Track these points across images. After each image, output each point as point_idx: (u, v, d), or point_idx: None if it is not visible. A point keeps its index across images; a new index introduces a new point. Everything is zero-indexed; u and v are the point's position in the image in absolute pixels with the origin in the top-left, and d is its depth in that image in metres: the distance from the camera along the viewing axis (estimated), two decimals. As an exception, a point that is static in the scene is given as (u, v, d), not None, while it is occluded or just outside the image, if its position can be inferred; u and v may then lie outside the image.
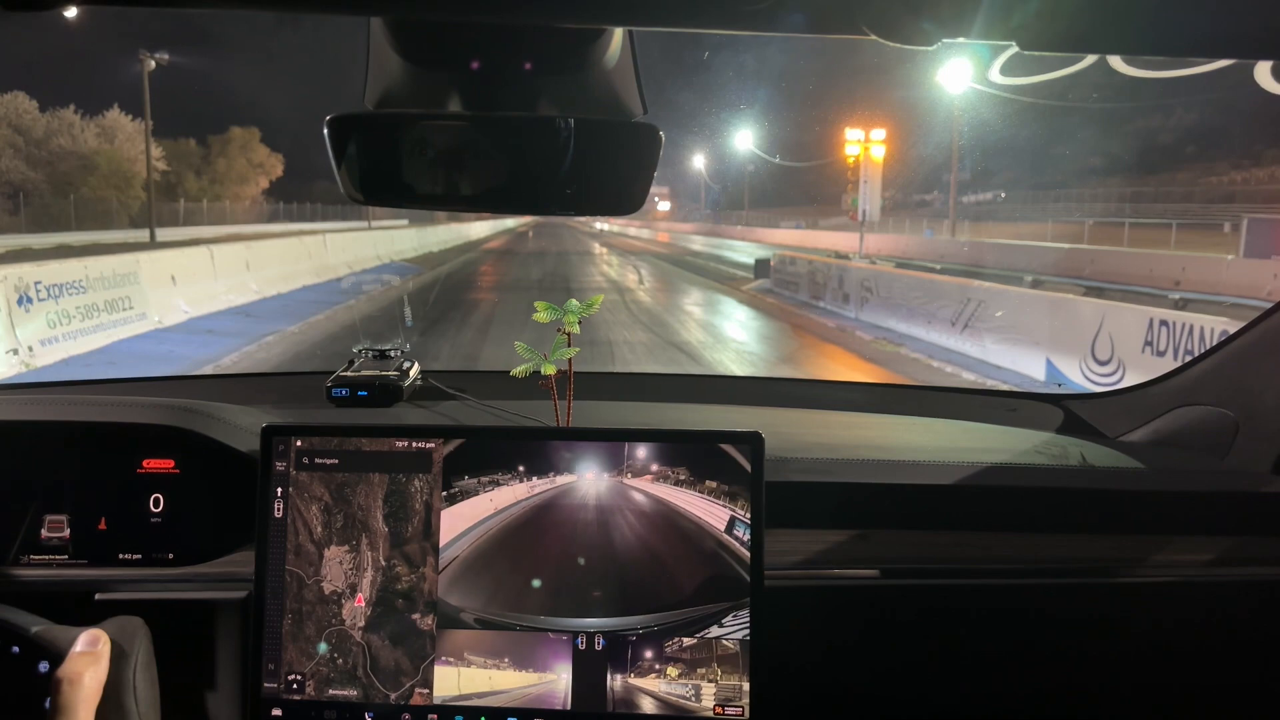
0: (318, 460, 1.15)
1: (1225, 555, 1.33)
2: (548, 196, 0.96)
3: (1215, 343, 1.54)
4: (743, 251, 34.48)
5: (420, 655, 1.12)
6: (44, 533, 1.24)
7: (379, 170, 0.95)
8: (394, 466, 1.14)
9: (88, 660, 0.94)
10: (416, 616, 1.12)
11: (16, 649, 1.13)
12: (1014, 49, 0.71)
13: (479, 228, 50.19)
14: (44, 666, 1.12)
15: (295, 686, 1.12)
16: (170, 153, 47.88)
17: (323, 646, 1.12)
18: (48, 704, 1.06)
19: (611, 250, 37.79)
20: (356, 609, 1.13)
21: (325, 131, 0.89)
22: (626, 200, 0.97)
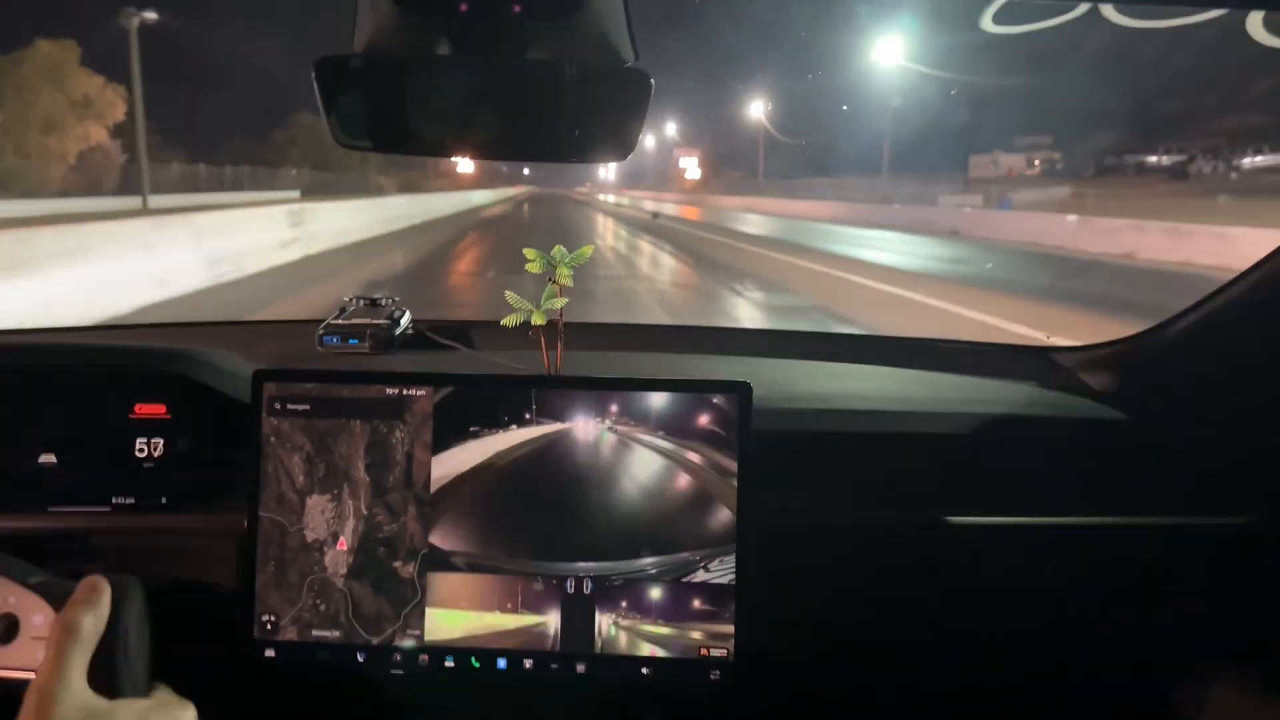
0: (307, 406, 1.16)
1: (1205, 505, 1.36)
2: (538, 142, 0.96)
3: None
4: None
5: (403, 601, 1.14)
6: (37, 478, 1.24)
7: (366, 115, 0.95)
8: (383, 413, 1.15)
9: (85, 609, 0.94)
10: (399, 564, 1.14)
11: (12, 599, 1.14)
12: None
13: (445, 202, 33.35)
14: (38, 620, 1.13)
15: (282, 630, 1.14)
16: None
17: (307, 592, 1.14)
18: (40, 655, 1.06)
19: (678, 250, 20.91)
20: (339, 554, 1.15)
21: (313, 74, 0.88)
22: (616, 147, 0.97)
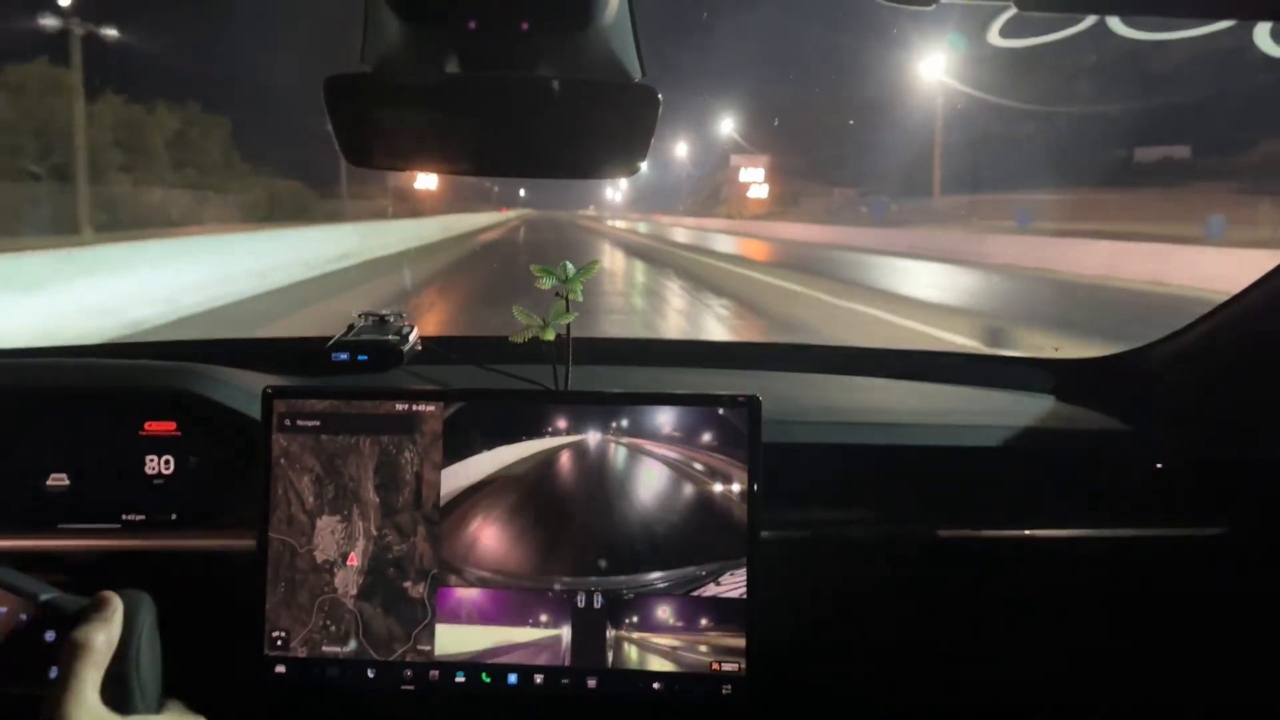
0: (317, 423, 1.16)
1: (1196, 517, 1.35)
2: (545, 158, 0.97)
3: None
4: None
5: (413, 621, 1.13)
6: (47, 495, 1.25)
7: (376, 132, 0.95)
8: (393, 429, 1.15)
9: (97, 625, 0.94)
10: (409, 584, 1.14)
11: (24, 616, 1.14)
12: (1011, 9, 0.71)
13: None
14: (50, 635, 1.13)
15: (292, 649, 1.14)
16: None
17: (318, 613, 1.14)
18: (54, 672, 1.07)
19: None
20: (349, 569, 1.14)
21: (323, 92, 0.89)
22: (623, 163, 0.98)
